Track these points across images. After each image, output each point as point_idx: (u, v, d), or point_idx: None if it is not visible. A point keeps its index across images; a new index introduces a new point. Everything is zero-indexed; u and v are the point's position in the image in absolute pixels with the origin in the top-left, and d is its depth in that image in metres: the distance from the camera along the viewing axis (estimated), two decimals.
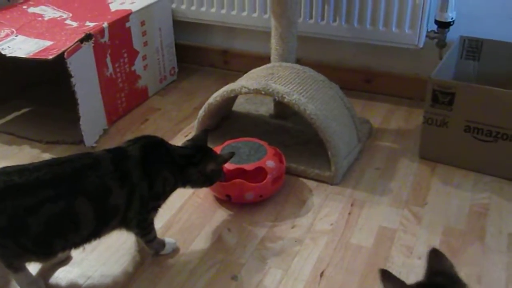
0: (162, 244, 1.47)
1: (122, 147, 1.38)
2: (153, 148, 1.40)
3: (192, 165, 1.44)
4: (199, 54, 2.63)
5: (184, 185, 1.47)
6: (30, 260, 1.29)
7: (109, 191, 1.28)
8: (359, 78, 2.33)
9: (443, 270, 1.02)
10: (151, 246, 1.45)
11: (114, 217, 1.31)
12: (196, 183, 1.49)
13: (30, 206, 1.19)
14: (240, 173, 1.61)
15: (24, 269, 1.29)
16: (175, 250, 1.49)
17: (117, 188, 1.29)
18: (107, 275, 1.41)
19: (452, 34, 2.01)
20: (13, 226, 1.19)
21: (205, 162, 1.45)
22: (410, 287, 1.01)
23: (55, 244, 1.26)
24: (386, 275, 1.01)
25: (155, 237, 1.44)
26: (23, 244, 1.22)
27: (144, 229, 1.41)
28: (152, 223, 1.42)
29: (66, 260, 1.45)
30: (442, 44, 2.02)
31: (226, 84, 1.85)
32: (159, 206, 1.43)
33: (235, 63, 2.55)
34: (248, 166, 1.62)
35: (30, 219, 1.19)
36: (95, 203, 1.26)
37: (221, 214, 1.63)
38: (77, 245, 1.30)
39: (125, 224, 1.36)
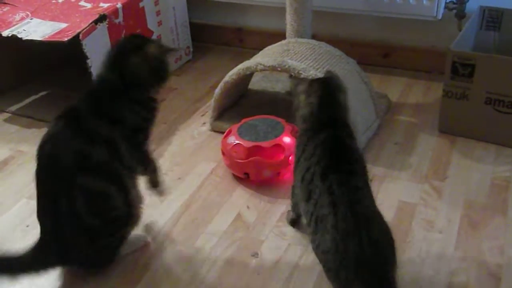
0: (157, 182, 1.45)
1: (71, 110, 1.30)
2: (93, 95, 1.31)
3: (128, 58, 1.29)
4: (213, 33, 2.61)
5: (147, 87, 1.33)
6: None
7: (88, 154, 1.23)
8: (376, 52, 2.29)
9: None
10: (157, 179, 1.43)
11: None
12: (146, 79, 1.32)
13: None
14: (258, 150, 1.61)
15: None
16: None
17: (91, 147, 1.24)
18: (132, 255, 1.42)
19: (471, 5, 1.96)
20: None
21: (146, 47, 1.30)
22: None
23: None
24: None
25: (155, 169, 1.42)
26: None
27: (146, 164, 1.38)
28: (148, 154, 1.38)
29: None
30: (461, 15, 1.98)
31: (242, 62, 1.84)
32: (147, 136, 1.36)
33: (250, 40, 2.53)
34: (266, 144, 1.61)
35: None
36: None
37: (240, 192, 1.63)
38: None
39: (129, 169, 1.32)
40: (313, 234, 1.14)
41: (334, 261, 1.07)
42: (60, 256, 1.28)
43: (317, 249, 1.13)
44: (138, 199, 1.37)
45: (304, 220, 1.23)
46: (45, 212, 1.27)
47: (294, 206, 1.42)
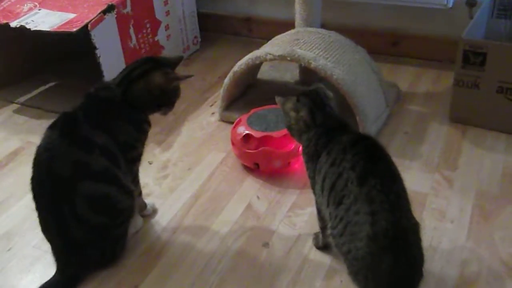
0: (144, 204, 1.49)
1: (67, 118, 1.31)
2: (93, 103, 1.33)
3: (134, 81, 1.32)
4: (222, 23, 2.60)
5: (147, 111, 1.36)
6: None
7: (85, 163, 1.25)
8: (385, 41, 2.27)
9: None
10: (141, 202, 1.48)
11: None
12: (146, 104, 1.35)
13: None
14: (268, 140, 1.60)
15: None
16: (155, 211, 1.52)
17: (87, 156, 1.25)
18: (142, 241, 1.43)
19: None
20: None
21: (151, 75, 1.33)
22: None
23: None
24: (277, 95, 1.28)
25: (140, 193, 1.46)
26: None
27: (134, 184, 1.39)
28: (137, 176, 1.40)
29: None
30: (472, 3, 1.95)
31: (250, 52, 1.83)
32: (138, 155, 1.38)
33: (258, 30, 2.52)
34: (276, 134, 1.60)
35: None
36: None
37: (250, 183, 1.63)
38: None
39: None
40: (338, 236, 1.10)
41: (366, 270, 1.05)
42: (81, 264, 1.31)
43: (346, 254, 1.08)
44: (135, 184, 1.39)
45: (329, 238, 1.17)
46: (50, 226, 1.28)
47: (323, 225, 1.28)
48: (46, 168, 1.24)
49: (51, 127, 1.29)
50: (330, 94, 1.27)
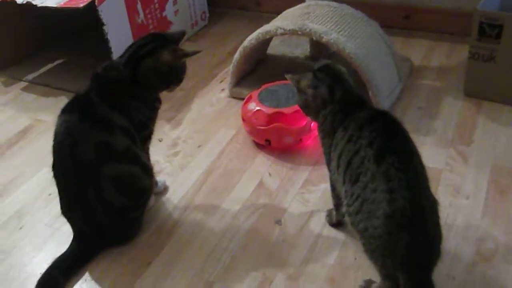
0: (155, 182, 1.47)
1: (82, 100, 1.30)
2: (106, 83, 1.31)
3: (142, 60, 1.29)
4: None
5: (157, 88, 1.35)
6: None
7: (107, 144, 1.24)
8: (397, 14, 2.22)
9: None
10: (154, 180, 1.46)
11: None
12: (156, 82, 1.33)
13: None
14: (279, 117, 1.58)
15: None
16: (166, 188, 1.51)
17: (110, 136, 1.25)
18: (154, 219, 1.42)
19: None
20: None
21: (159, 53, 1.30)
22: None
23: None
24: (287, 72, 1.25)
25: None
26: None
27: None
28: (147, 154, 1.40)
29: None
30: None
31: (259, 27, 1.79)
32: (150, 133, 1.38)
33: (267, 4, 2.47)
34: (287, 110, 1.58)
35: None
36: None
37: (261, 159, 1.61)
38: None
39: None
40: (354, 214, 1.08)
41: (383, 248, 1.03)
42: (100, 243, 1.33)
43: (363, 232, 1.06)
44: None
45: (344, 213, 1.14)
46: (73, 207, 1.28)
47: (337, 203, 1.26)
48: (70, 153, 1.23)
49: (67, 111, 1.27)
50: (344, 69, 1.24)
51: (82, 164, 1.23)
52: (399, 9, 2.22)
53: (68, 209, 1.29)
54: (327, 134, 1.19)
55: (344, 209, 1.12)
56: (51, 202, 1.49)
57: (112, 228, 1.30)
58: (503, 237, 1.28)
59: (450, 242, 1.27)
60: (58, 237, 1.39)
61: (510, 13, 1.64)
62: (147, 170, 1.34)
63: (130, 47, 1.33)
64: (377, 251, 1.04)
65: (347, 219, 1.12)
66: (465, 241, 1.28)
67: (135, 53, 1.31)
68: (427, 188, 1.07)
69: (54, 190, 1.30)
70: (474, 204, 1.38)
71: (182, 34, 1.38)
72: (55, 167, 1.27)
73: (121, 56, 1.33)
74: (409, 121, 1.70)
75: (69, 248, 1.30)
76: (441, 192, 1.42)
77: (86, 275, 1.28)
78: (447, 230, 1.30)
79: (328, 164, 1.22)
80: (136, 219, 1.37)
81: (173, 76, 1.35)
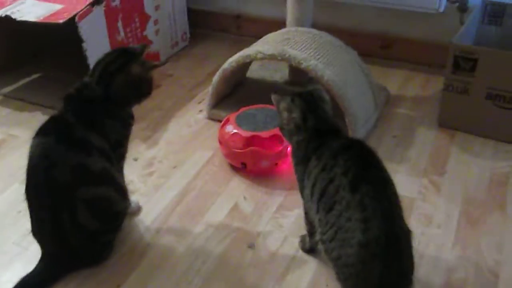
0: (129, 202, 1.44)
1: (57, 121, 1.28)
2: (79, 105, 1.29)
3: (113, 76, 1.30)
4: (211, 19, 2.57)
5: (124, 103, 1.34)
6: None
7: (84, 166, 1.22)
8: (376, 44, 2.27)
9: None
10: None
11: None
12: (128, 97, 1.33)
13: None
14: (256, 140, 1.58)
15: None
16: (139, 209, 1.50)
17: (87, 158, 1.24)
18: (125, 240, 1.40)
19: None
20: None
21: (129, 67, 1.31)
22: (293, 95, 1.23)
23: None
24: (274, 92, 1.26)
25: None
26: None
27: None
28: (121, 173, 1.38)
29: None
30: (463, 8, 1.96)
31: (240, 50, 1.81)
32: (124, 152, 1.37)
33: (248, 28, 2.50)
34: (264, 134, 1.58)
35: None
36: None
37: (237, 182, 1.61)
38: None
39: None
40: (328, 242, 1.08)
41: (356, 277, 1.03)
42: (69, 264, 1.30)
43: (336, 260, 1.07)
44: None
45: (318, 241, 1.14)
46: (44, 228, 1.25)
47: (311, 229, 1.25)
48: (45, 176, 1.21)
49: (42, 133, 1.25)
50: (326, 96, 1.26)
51: (58, 186, 1.20)
52: (377, 39, 2.27)
53: (39, 231, 1.27)
54: (301, 161, 1.20)
55: (317, 236, 1.12)
56: (20, 219, 1.46)
57: (83, 251, 1.28)
58: (473, 267, 1.29)
59: (421, 270, 1.28)
60: (26, 257, 1.35)
61: (484, 48, 1.69)
62: (122, 192, 1.32)
63: (97, 64, 1.33)
64: (350, 279, 1.04)
65: (320, 246, 1.12)
66: (436, 270, 1.29)
67: (105, 70, 1.30)
68: (401, 217, 1.08)
69: (24, 207, 1.27)
70: (445, 233, 1.40)
71: (144, 47, 1.37)
72: (28, 189, 1.24)
73: (91, 75, 1.32)
74: (384, 149, 1.72)
75: (36, 268, 1.27)
76: (413, 221, 1.43)
77: None
78: (418, 258, 1.30)
79: (302, 191, 1.22)
80: (108, 242, 1.34)
81: (143, 88, 1.35)
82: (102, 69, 1.31)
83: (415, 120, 1.88)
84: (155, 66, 1.37)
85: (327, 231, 1.08)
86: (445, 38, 1.86)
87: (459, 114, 1.77)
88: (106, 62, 1.32)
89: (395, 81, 2.12)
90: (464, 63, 1.68)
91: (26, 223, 1.28)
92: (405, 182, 1.57)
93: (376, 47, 2.27)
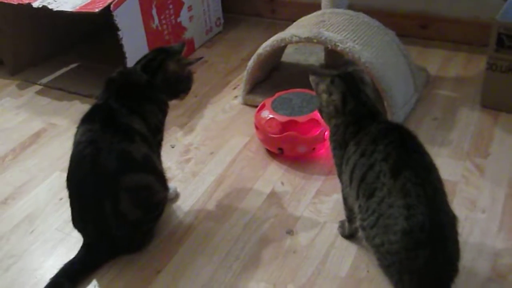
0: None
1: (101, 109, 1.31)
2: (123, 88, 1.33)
3: (155, 73, 1.35)
4: (245, 4, 2.55)
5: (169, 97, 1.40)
6: None
7: (129, 153, 1.24)
8: (414, 24, 2.20)
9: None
10: None
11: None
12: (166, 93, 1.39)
13: None
14: (293, 125, 1.56)
15: None
16: (177, 195, 1.50)
17: (131, 145, 1.25)
18: (164, 226, 1.41)
19: None
20: None
21: (165, 64, 1.36)
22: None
23: None
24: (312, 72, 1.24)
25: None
26: None
27: None
28: (160, 160, 1.40)
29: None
30: None
31: (274, 34, 1.78)
32: (162, 138, 1.39)
33: (282, 11, 2.46)
34: (301, 118, 1.56)
35: None
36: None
37: (274, 168, 1.60)
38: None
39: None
40: (369, 228, 1.06)
41: (400, 264, 1.01)
42: (110, 252, 1.32)
43: (378, 247, 1.04)
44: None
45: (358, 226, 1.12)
46: (85, 218, 1.27)
47: (350, 215, 1.23)
48: (92, 162, 1.22)
49: (87, 121, 1.28)
50: (367, 79, 1.22)
51: (104, 173, 1.21)
52: (416, 18, 2.20)
53: (80, 220, 1.29)
54: (339, 146, 1.18)
55: (358, 223, 1.10)
56: (62, 206, 1.49)
57: (124, 239, 1.29)
58: None
59: (466, 256, 1.23)
60: (69, 242, 1.38)
61: None
62: (163, 181, 1.34)
63: (138, 61, 1.39)
64: (393, 266, 1.02)
65: (361, 233, 1.10)
66: (481, 256, 1.25)
67: (146, 65, 1.36)
68: (446, 203, 1.04)
69: (65, 194, 1.30)
70: (490, 218, 1.35)
71: (182, 45, 1.43)
72: (71, 177, 1.26)
73: (135, 67, 1.37)
74: (424, 132, 1.67)
75: (77, 254, 1.29)
76: (456, 206, 1.39)
77: (95, 282, 1.27)
78: (462, 244, 1.25)
79: (340, 175, 1.20)
80: (149, 231, 1.36)
81: (181, 85, 1.40)
82: (145, 63, 1.36)
83: (457, 101, 1.82)
84: (191, 63, 1.41)
85: (368, 217, 1.05)
86: (487, 16, 1.79)
87: (503, 94, 1.70)
88: (148, 58, 1.37)
89: (435, 61, 2.06)
90: (509, 41, 1.61)
91: (68, 210, 1.30)
92: (447, 166, 1.53)
93: (415, 27, 2.20)
